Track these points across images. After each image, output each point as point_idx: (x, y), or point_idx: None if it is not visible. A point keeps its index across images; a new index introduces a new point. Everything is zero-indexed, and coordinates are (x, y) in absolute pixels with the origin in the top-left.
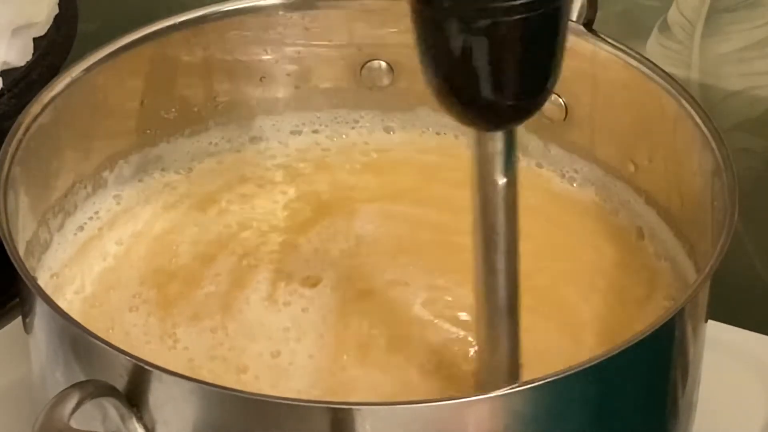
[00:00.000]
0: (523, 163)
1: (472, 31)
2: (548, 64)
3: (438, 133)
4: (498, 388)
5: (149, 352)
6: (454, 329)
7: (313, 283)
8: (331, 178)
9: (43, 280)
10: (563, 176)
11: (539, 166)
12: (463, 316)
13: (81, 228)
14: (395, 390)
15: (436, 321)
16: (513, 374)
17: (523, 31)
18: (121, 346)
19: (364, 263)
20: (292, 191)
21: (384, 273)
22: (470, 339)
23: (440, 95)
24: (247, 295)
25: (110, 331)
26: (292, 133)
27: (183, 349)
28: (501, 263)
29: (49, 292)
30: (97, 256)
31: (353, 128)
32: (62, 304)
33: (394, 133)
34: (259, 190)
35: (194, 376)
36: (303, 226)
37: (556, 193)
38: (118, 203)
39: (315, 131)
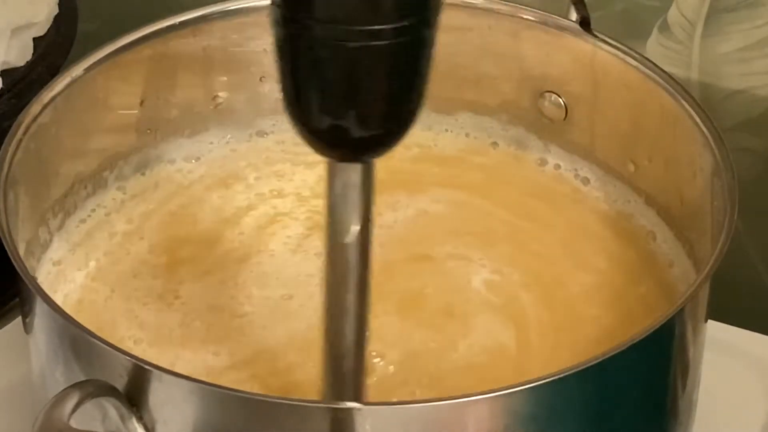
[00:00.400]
0: (524, 161)
1: (327, 53)
2: (408, 94)
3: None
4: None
5: (146, 312)
6: (502, 313)
7: None
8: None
9: (46, 269)
10: (563, 176)
11: (539, 165)
12: (516, 304)
13: (84, 221)
14: (416, 346)
15: (489, 296)
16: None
17: (380, 58)
18: (117, 313)
19: (423, 233)
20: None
21: (444, 245)
22: (516, 327)
23: (293, 117)
24: (273, 249)
25: (107, 300)
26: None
27: (180, 304)
28: (351, 302)
29: (51, 278)
30: (104, 236)
31: None
32: (64, 285)
33: None
34: (293, 167)
35: (186, 333)
36: None
37: (556, 193)
38: (123, 193)
39: None
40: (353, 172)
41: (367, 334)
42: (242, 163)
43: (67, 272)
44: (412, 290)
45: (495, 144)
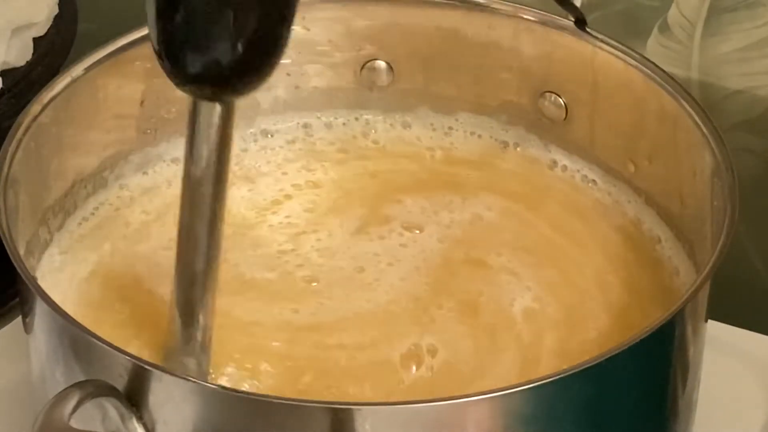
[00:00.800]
0: (525, 161)
1: None
2: (267, 33)
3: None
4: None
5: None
6: (523, 354)
7: (417, 228)
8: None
9: (46, 269)
10: (564, 176)
11: (540, 164)
12: (536, 348)
13: (84, 220)
14: (460, 355)
15: (521, 330)
16: (205, 346)
17: None
18: (149, 279)
19: (480, 238)
20: (375, 163)
21: (499, 255)
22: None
23: (159, 53)
24: (331, 229)
25: (134, 267)
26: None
27: (233, 265)
28: (203, 233)
29: (51, 278)
30: (119, 225)
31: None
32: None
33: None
34: (293, 165)
35: (246, 288)
36: (404, 189)
37: (556, 192)
38: (124, 192)
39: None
40: (214, 111)
41: (217, 263)
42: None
43: (67, 272)
44: (470, 294)
45: (504, 144)
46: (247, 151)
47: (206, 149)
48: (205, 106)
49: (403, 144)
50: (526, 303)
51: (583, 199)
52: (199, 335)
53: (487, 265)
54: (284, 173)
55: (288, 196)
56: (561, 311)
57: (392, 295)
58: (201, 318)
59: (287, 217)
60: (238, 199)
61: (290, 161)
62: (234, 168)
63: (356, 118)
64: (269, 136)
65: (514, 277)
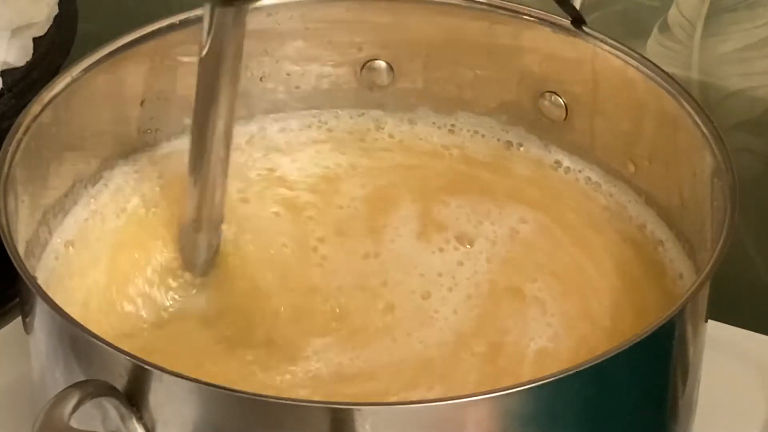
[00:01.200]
0: (527, 161)
1: None
2: None
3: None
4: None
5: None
6: None
7: (469, 243)
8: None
9: (46, 269)
10: (568, 178)
11: (544, 165)
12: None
13: (85, 220)
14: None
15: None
16: (216, 223)
17: None
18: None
19: (519, 259)
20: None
21: (534, 282)
22: None
23: None
24: (396, 225)
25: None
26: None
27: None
28: (220, 114)
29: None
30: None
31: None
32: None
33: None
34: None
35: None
36: (447, 189)
37: (567, 198)
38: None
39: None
40: (229, 13)
41: (229, 145)
42: (242, 160)
43: (67, 272)
44: (500, 334)
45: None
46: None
47: (222, 48)
48: (220, 12)
49: (416, 140)
50: (542, 343)
51: (592, 205)
52: (210, 211)
53: (522, 295)
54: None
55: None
56: (572, 350)
57: (443, 335)
58: (214, 194)
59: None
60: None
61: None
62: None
63: (360, 114)
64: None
65: (540, 309)
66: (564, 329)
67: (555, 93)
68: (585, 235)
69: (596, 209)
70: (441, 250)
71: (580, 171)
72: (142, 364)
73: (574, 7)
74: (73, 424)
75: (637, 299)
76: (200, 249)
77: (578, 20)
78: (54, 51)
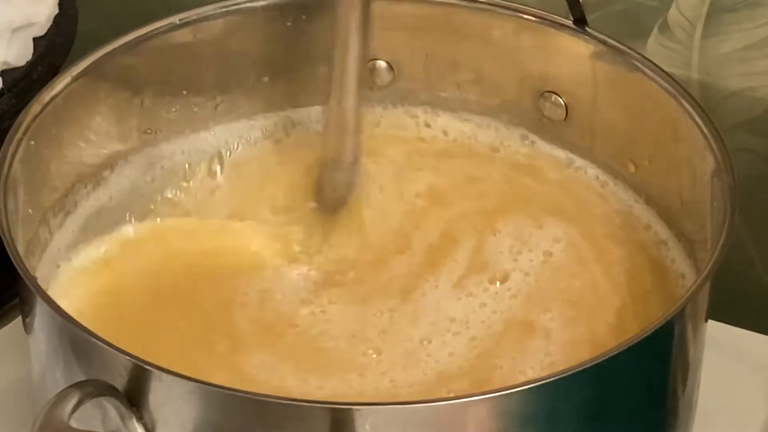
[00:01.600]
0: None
1: None
2: None
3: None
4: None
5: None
6: None
7: (500, 280)
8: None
9: (46, 269)
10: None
11: (540, 164)
12: None
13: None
14: None
15: None
16: (355, 160)
17: None
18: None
19: (544, 289)
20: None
21: (551, 312)
22: None
23: None
24: (438, 276)
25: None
26: None
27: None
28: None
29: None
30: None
31: None
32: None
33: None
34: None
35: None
36: (499, 210)
37: (557, 192)
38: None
39: None
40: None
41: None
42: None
43: (67, 272)
44: (489, 371)
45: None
46: None
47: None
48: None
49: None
50: (533, 374)
51: (608, 209)
52: (350, 150)
53: (532, 329)
54: None
55: None
56: None
57: (429, 374)
58: (352, 133)
59: None
60: None
61: None
62: None
63: None
64: None
65: (546, 340)
66: (563, 356)
67: (555, 93)
68: (607, 249)
69: (611, 213)
70: (469, 295)
71: (584, 171)
72: (142, 364)
73: (580, 8)
74: (73, 424)
75: (645, 314)
76: (340, 187)
77: (581, 20)
78: (54, 51)
